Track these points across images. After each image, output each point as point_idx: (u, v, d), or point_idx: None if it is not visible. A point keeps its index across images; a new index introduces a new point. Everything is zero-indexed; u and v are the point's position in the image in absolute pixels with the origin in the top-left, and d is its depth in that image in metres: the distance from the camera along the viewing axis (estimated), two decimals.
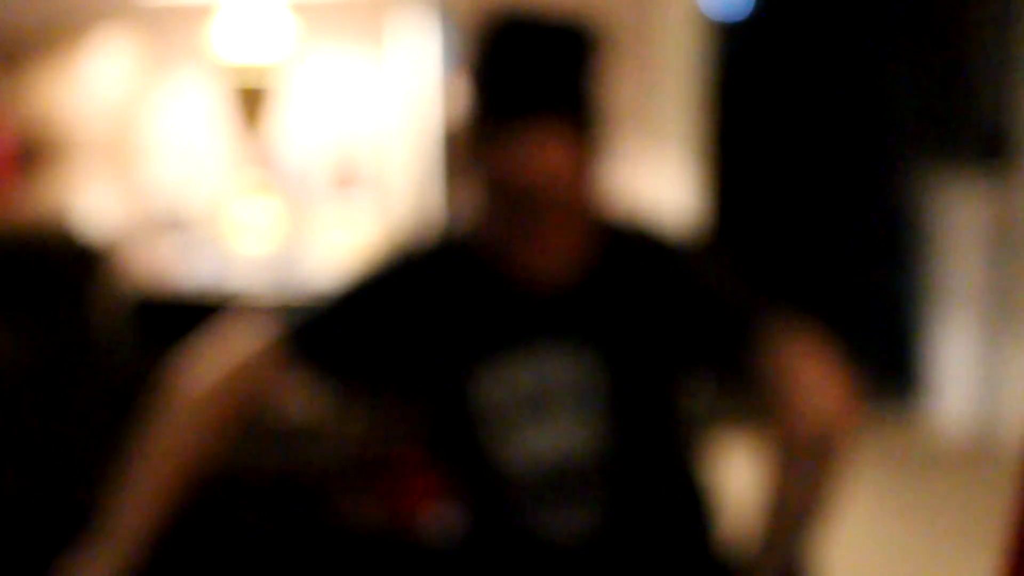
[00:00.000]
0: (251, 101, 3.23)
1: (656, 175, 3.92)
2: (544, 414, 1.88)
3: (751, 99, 6.85)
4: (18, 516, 2.11)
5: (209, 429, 1.85)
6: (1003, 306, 4.34)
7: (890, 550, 3.41)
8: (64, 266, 2.89)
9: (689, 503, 1.95)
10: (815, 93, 6.52)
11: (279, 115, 3.28)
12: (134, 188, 3.44)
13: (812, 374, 1.80)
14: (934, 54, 5.05)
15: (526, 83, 1.83)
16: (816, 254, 6.31)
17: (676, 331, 1.88)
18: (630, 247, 1.90)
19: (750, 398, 1.93)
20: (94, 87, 3.42)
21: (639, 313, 1.88)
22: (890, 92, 5.47)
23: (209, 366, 1.87)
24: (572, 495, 1.89)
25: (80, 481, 2.99)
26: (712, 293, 1.88)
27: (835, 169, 6.20)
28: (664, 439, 1.93)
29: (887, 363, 5.06)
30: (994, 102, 4.63)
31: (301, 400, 2.56)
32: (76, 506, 2.87)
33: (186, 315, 3.06)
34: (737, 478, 2.45)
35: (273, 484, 2.92)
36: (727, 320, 1.86)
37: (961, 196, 4.40)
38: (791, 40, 6.70)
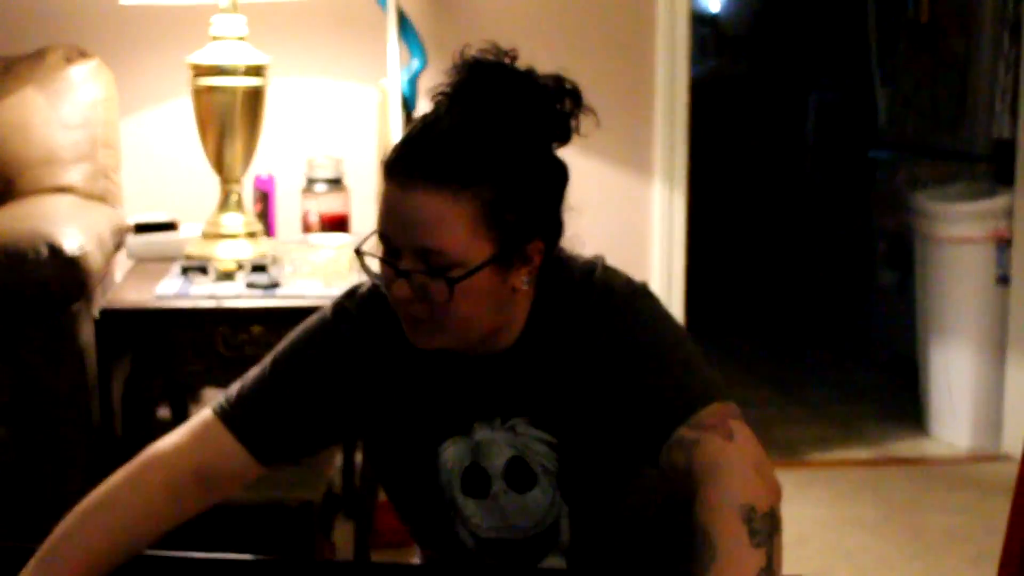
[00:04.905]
0: (225, 117, 3.19)
1: (647, 203, 3.88)
2: (481, 489, 1.82)
3: (741, 115, 6.83)
4: None
5: (146, 498, 1.76)
6: (1004, 327, 4.29)
7: (892, 571, 3.36)
8: (50, 280, 2.85)
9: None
10: (811, 103, 6.50)
11: (256, 131, 3.24)
12: (111, 204, 3.40)
13: (720, 467, 1.62)
14: (935, 64, 5.01)
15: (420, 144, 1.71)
16: (813, 276, 6.27)
17: (608, 411, 1.76)
18: (572, 311, 1.78)
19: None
20: (73, 102, 3.38)
21: (566, 388, 1.77)
22: (890, 104, 5.44)
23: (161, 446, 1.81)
24: (525, 558, 1.84)
25: (51, 501, 2.93)
26: (641, 385, 1.73)
27: (832, 187, 6.16)
28: (615, 509, 1.84)
29: (889, 387, 5.01)
30: (998, 117, 4.59)
31: None
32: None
33: (153, 324, 3.03)
34: None
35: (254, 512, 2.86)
36: (655, 411, 1.71)
37: (961, 212, 4.36)
38: (784, 47, 6.68)
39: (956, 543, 3.54)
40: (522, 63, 1.77)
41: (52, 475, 2.95)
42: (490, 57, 1.75)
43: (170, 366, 3.03)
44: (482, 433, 1.80)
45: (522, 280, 1.73)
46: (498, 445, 1.80)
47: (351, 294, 1.88)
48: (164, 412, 3.45)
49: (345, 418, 1.87)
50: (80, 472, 2.96)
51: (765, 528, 1.56)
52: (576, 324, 1.77)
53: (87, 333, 2.95)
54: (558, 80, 1.75)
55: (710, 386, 1.73)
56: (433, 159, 1.68)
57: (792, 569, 1.73)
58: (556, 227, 1.77)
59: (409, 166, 1.69)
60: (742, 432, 1.67)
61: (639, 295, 1.81)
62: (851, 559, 3.46)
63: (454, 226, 1.66)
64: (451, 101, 1.74)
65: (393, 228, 1.70)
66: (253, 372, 1.87)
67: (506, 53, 1.75)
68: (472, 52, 1.75)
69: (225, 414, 1.83)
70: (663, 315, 1.82)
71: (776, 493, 1.63)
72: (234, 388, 1.86)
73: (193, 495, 1.80)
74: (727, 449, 1.64)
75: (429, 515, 1.87)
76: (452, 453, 1.82)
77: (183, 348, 3.02)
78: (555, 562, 1.84)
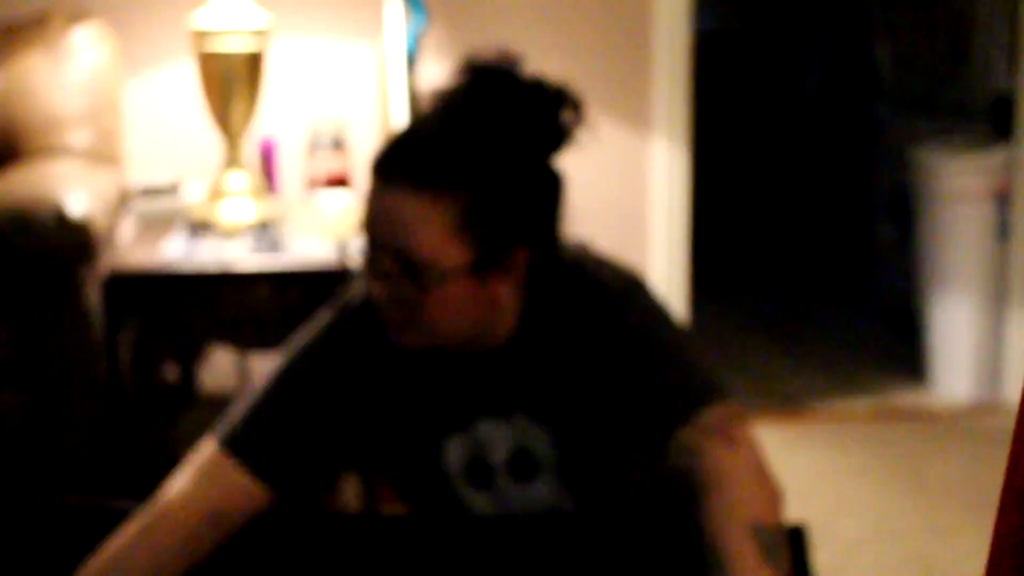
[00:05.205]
0: (228, 78, 3.20)
1: (647, 159, 3.88)
2: (485, 482, 1.82)
3: (741, 71, 6.83)
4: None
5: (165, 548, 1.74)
6: (1004, 280, 4.31)
7: (894, 522, 3.38)
8: (56, 243, 2.86)
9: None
10: (812, 59, 6.49)
11: (258, 92, 3.26)
12: (115, 166, 3.41)
13: (727, 476, 1.67)
14: (937, 20, 5.01)
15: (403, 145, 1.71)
16: (815, 231, 6.28)
17: (606, 406, 1.77)
18: (565, 310, 1.77)
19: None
20: (76, 64, 3.39)
21: (562, 384, 1.77)
22: (890, 60, 5.44)
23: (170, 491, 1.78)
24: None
25: (63, 460, 2.96)
26: (642, 385, 1.74)
27: (833, 143, 6.17)
28: (616, 494, 1.86)
29: (890, 339, 5.03)
30: (997, 72, 4.59)
31: None
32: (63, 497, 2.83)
33: (160, 287, 3.05)
34: None
35: None
36: (655, 411, 1.74)
37: (964, 168, 4.36)
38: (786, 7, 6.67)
39: (956, 493, 3.56)
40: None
41: (62, 436, 2.98)
42: (495, 63, 1.73)
43: (176, 327, 3.05)
44: (483, 428, 1.80)
45: (504, 290, 1.72)
46: (500, 438, 1.80)
47: (343, 300, 1.85)
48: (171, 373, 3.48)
49: (355, 431, 1.85)
50: (89, 432, 2.98)
51: (772, 541, 1.61)
52: (570, 320, 1.77)
53: (93, 295, 2.97)
54: (562, 90, 1.74)
55: (710, 386, 1.75)
56: (414, 160, 1.67)
57: (795, 520, 1.76)
58: (546, 237, 1.76)
59: (390, 165, 1.68)
60: (743, 438, 1.71)
61: (633, 289, 1.80)
62: (852, 509, 3.49)
63: (429, 229, 1.64)
64: (444, 103, 1.73)
65: (372, 226, 1.69)
66: (255, 398, 1.82)
67: (513, 59, 1.74)
68: (478, 56, 1.74)
69: (235, 447, 1.78)
70: (659, 311, 1.81)
71: (779, 500, 1.67)
72: (237, 417, 1.81)
73: (207, 540, 1.77)
74: (729, 460, 1.68)
75: (436, 508, 1.88)
76: (455, 449, 1.82)
77: (189, 309, 3.04)
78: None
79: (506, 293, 1.72)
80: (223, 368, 3.59)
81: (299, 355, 1.83)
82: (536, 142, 1.73)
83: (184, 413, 3.44)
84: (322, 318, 1.85)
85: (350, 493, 3.25)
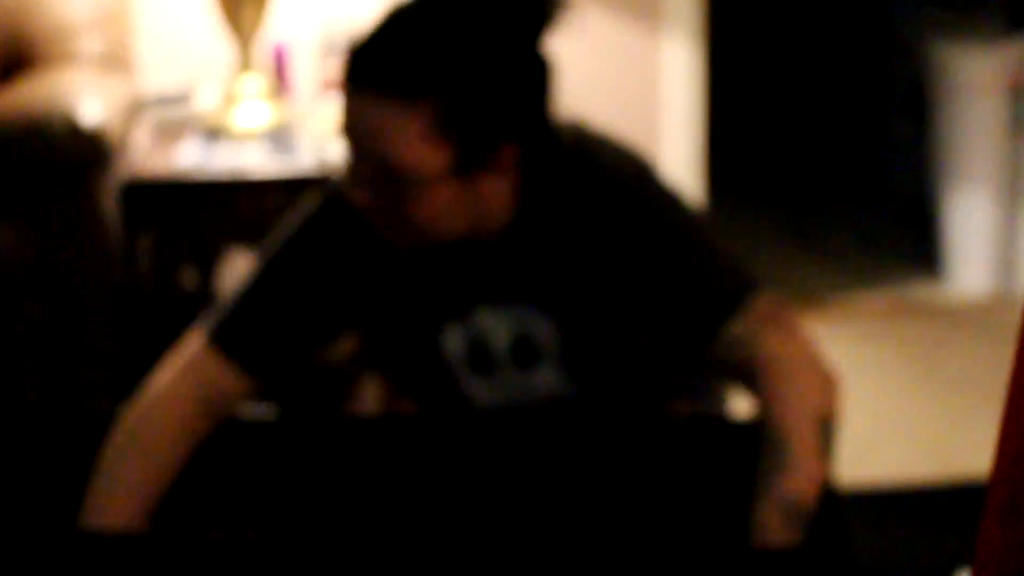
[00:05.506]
0: None
1: (656, 54, 3.84)
2: (486, 369, 1.80)
3: None
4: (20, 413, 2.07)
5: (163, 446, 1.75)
6: (1021, 173, 4.29)
7: (909, 415, 3.40)
8: (70, 151, 2.86)
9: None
10: None
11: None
12: (127, 72, 3.40)
13: (790, 365, 1.66)
14: None
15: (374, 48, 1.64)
16: (829, 124, 6.25)
17: (618, 294, 1.73)
18: (568, 197, 1.72)
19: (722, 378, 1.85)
20: None
21: (567, 272, 1.73)
22: None
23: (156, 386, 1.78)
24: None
25: (84, 366, 2.99)
26: (677, 279, 1.70)
27: (846, 35, 6.11)
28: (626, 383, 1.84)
29: (905, 233, 5.02)
30: None
31: None
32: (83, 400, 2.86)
33: (176, 195, 3.06)
34: None
35: None
36: (696, 303, 1.70)
37: (978, 61, 4.33)
38: None
39: (971, 386, 3.58)
40: None
41: (81, 343, 3.00)
42: None
43: (193, 233, 3.06)
44: (483, 316, 1.77)
45: (493, 187, 1.67)
46: (501, 326, 1.77)
47: (327, 189, 1.81)
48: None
49: (342, 316, 1.82)
50: (108, 339, 3.00)
51: (832, 435, 1.63)
52: (574, 207, 1.72)
53: (109, 204, 2.98)
54: None
55: (747, 273, 1.72)
56: (383, 67, 1.61)
57: None
58: (535, 128, 1.69)
59: (359, 72, 1.63)
60: (797, 326, 1.69)
61: (642, 173, 1.75)
62: (867, 403, 3.51)
63: (404, 137, 1.60)
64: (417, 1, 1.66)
65: (349, 135, 1.65)
66: (241, 287, 1.81)
67: None
68: None
69: (218, 338, 1.77)
70: (672, 194, 1.76)
71: (835, 388, 1.67)
72: (224, 310, 1.80)
73: (201, 429, 1.77)
74: (788, 348, 1.67)
75: (436, 397, 1.86)
76: (454, 337, 1.79)
77: (205, 215, 3.05)
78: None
79: (496, 190, 1.68)
80: (242, 273, 3.60)
81: (284, 245, 1.80)
82: (515, 25, 1.66)
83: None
84: (306, 208, 1.81)
85: (369, 396, 3.27)
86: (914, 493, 3.04)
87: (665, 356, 1.81)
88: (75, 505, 1.73)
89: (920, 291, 4.43)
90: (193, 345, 1.79)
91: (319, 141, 3.15)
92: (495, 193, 1.68)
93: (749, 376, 1.68)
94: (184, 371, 1.77)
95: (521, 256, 1.74)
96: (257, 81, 3.26)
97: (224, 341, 1.77)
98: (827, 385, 1.67)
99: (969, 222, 4.38)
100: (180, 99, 3.46)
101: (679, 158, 3.89)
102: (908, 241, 4.91)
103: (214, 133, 3.21)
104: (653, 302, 1.72)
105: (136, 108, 3.30)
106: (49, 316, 2.98)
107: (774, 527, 1.55)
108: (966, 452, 3.19)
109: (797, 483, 1.57)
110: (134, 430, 1.74)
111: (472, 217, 1.68)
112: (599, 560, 1.48)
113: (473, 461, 1.82)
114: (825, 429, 1.63)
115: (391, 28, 1.65)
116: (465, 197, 1.65)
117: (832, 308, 4.29)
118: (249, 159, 3.07)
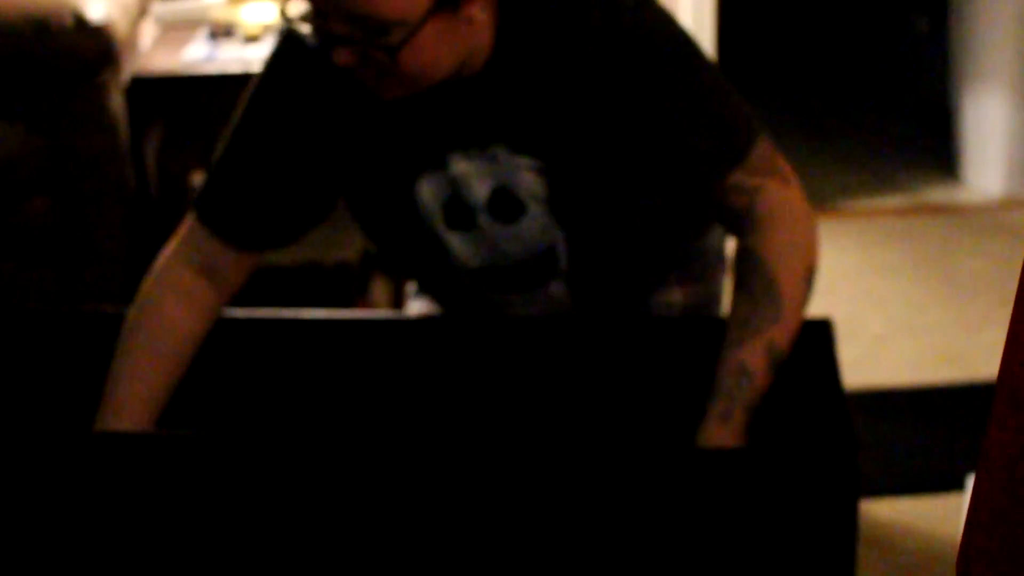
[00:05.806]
0: None
1: None
2: (465, 223, 1.75)
3: None
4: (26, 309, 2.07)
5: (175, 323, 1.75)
6: None
7: (922, 317, 3.40)
8: (77, 48, 2.84)
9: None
10: None
11: None
12: None
13: (787, 214, 1.69)
14: None
15: None
16: (844, 23, 6.19)
17: (609, 134, 1.66)
18: (550, 27, 1.63)
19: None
20: None
21: (550, 110, 1.66)
22: None
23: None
24: (523, 286, 1.81)
25: (93, 267, 2.98)
26: (680, 124, 1.66)
27: None
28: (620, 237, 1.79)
29: (922, 136, 4.99)
30: None
31: None
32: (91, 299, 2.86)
33: (183, 90, 3.04)
34: None
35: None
36: (699, 152, 1.67)
37: None
38: None
39: (986, 288, 3.56)
40: None
41: (91, 242, 3.00)
42: None
43: (201, 130, 3.05)
44: (459, 165, 1.70)
45: (477, 8, 1.59)
46: (478, 176, 1.70)
47: (294, 38, 1.72)
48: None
49: (322, 177, 1.77)
50: (118, 236, 3.00)
51: (813, 284, 1.68)
52: (557, 39, 1.64)
53: (117, 101, 2.96)
54: None
55: (750, 119, 1.71)
56: None
57: (822, 315, 1.76)
58: None
59: None
60: (791, 172, 1.72)
61: (640, 3, 1.66)
62: (881, 305, 3.50)
63: None
64: None
65: None
66: (215, 160, 1.78)
67: None
68: None
69: (202, 212, 1.77)
70: (674, 30, 1.68)
71: (817, 234, 1.72)
72: (205, 182, 1.79)
73: (209, 298, 1.77)
74: (788, 196, 1.70)
75: (416, 255, 1.81)
76: (429, 188, 1.73)
77: (213, 113, 3.03)
78: (556, 288, 1.81)
79: (480, 13, 1.60)
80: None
81: (249, 107, 1.76)
82: None
83: None
84: (266, 65, 1.76)
85: (379, 294, 3.27)
86: (927, 393, 3.04)
87: (659, 210, 1.78)
88: (87, 407, 1.73)
89: (936, 192, 4.40)
90: (188, 219, 1.80)
91: None
92: (478, 27, 1.61)
93: (743, 224, 1.69)
94: (180, 241, 1.78)
95: (496, 95, 1.67)
96: None
97: (206, 216, 1.77)
98: (815, 234, 1.71)
99: (986, 123, 4.33)
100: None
101: None
102: (925, 142, 4.87)
103: (222, 31, 3.17)
104: (652, 146, 1.67)
105: (144, 6, 3.27)
106: (58, 215, 2.97)
107: (762, 369, 1.60)
108: (977, 354, 3.18)
109: (787, 333, 1.62)
110: (141, 305, 1.75)
111: (458, 55, 1.61)
112: (595, 458, 1.48)
113: (467, 362, 1.82)
114: (810, 279, 1.68)
115: None
116: (454, 29, 1.58)
117: (847, 210, 4.27)
118: (257, 56, 3.04)
